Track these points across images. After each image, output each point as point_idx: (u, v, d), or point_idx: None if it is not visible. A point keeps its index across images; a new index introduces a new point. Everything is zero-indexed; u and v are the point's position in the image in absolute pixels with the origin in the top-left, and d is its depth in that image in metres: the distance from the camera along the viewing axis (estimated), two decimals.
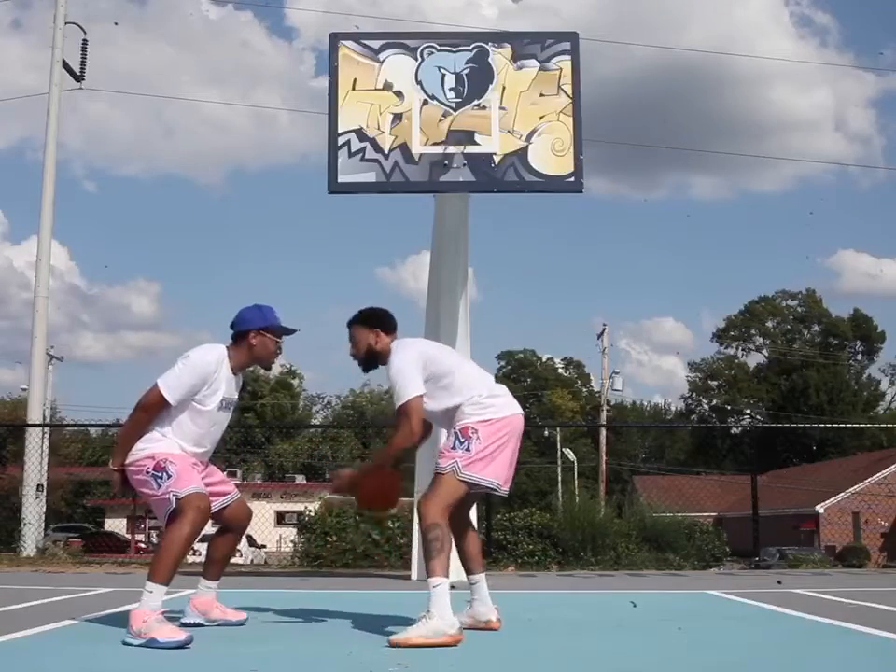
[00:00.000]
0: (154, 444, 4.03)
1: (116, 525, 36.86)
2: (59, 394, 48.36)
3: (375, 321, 4.33)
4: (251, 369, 4.46)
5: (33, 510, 14.36)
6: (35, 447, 15.92)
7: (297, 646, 3.78)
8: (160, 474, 3.93)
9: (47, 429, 18.76)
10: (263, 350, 4.22)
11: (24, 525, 13.40)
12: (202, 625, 4.24)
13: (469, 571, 4.37)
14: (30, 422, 16.44)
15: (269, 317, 4.25)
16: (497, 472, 4.10)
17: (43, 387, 17.72)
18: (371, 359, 4.31)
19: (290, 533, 17.54)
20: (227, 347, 4.22)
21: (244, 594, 6.57)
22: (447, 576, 3.90)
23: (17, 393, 40.32)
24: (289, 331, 4.33)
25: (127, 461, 4.05)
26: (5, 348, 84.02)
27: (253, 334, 4.18)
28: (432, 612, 3.82)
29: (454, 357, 4.41)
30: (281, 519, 31.45)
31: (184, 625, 4.15)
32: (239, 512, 4.33)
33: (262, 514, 30.87)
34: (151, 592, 3.82)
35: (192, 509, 3.87)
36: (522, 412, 4.35)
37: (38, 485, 15.54)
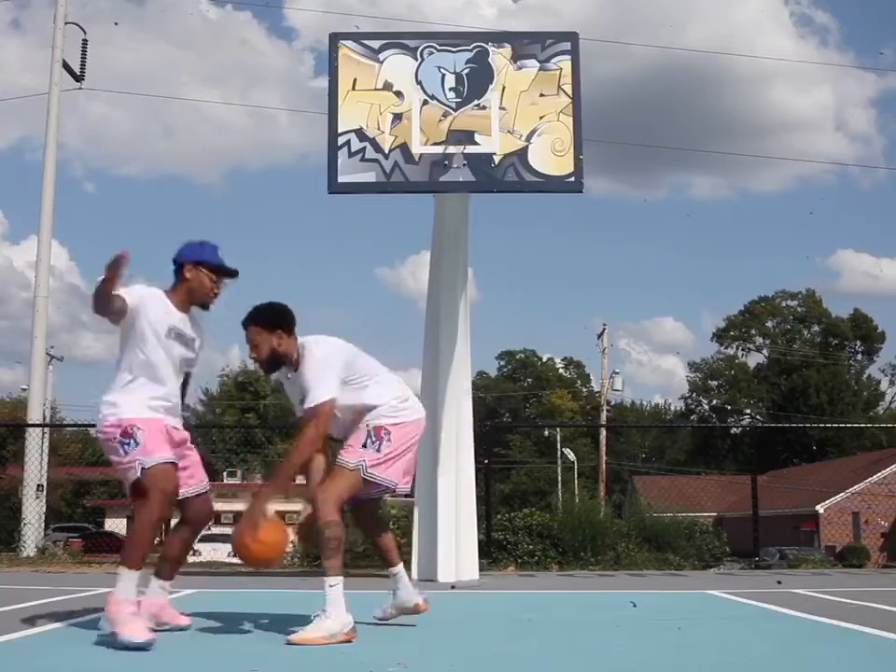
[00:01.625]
0: (121, 408, 3.87)
1: (116, 525, 36.85)
2: (59, 394, 48.43)
3: (276, 320, 4.12)
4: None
5: (33, 510, 14.36)
6: (35, 447, 15.93)
7: (297, 646, 3.78)
8: (126, 440, 3.79)
9: (47, 429, 18.79)
10: (198, 285, 4.03)
11: (24, 525, 13.38)
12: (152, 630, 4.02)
13: (388, 564, 4.39)
14: (30, 422, 16.45)
15: (206, 253, 4.08)
16: (396, 473, 4.12)
17: (43, 387, 17.73)
18: (276, 362, 4.13)
19: (290, 533, 17.51)
20: (165, 291, 4.05)
21: (244, 593, 6.58)
22: (342, 574, 3.88)
23: (17, 393, 40.36)
24: (228, 271, 4.10)
25: (98, 427, 3.89)
26: (5, 348, 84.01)
27: (188, 267, 4.03)
28: (328, 611, 3.81)
29: (368, 360, 4.28)
30: (281, 519, 31.43)
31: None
32: (203, 508, 4.17)
33: None
34: (125, 578, 3.72)
35: (157, 491, 3.71)
36: (425, 415, 4.31)
37: (38, 485, 15.55)
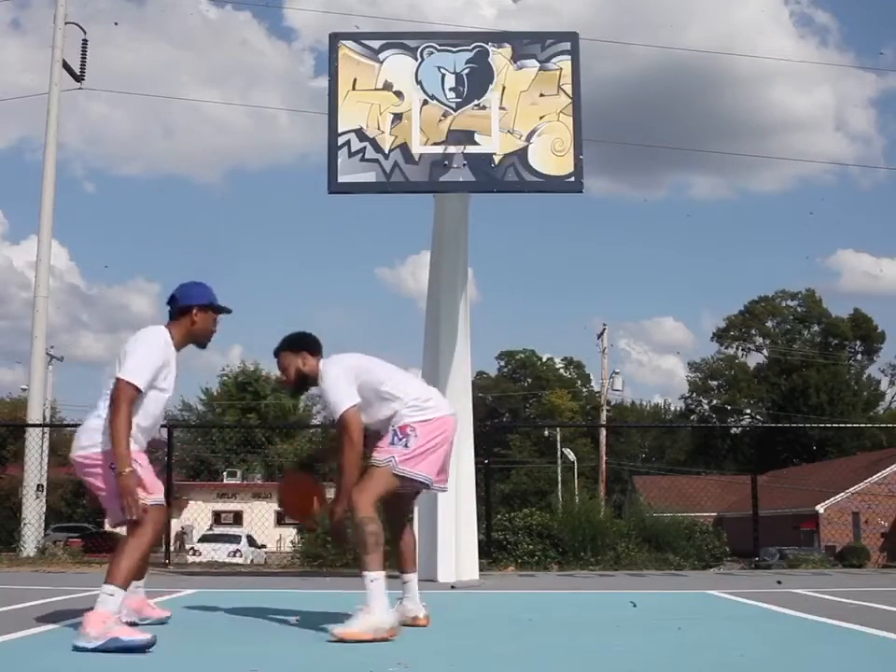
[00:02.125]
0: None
1: None
2: (59, 394, 48.41)
3: (300, 344, 4.41)
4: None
5: (33, 510, 14.37)
6: (35, 447, 15.93)
7: (297, 646, 3.78)
8: None
9: (47, 429, 18.77)
10: (203, 327, 4.18)
11: (24, 525, 13.39)
12: (136, 624, 4.08)
13: (403, 570, 4.40)
14: (30, 422, 16.45)
15: (210, 295, 4.21)
16: (430, 468, 4.17)
17: (43, 387, 17.74)
18: (302, 383, 4.38)
19: (290, 533, 17.54)
20: (165, 326, 4.14)
21: (244, 594, 6.58)
22: (383, 569, 3.95)
23: (17, 393, 40.37)
24: (226, 310, 4.29)
25: (80, 453, 3.94)
26: (5, 348, 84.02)
27: (196, 310, 4.14)
28: (371, 606, 3.87)
29: (386, 367, 4.41)
30: (281, 519, 31.44)
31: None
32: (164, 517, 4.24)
33: (262, 514, 30.98)
34: (112, 595, 3.70)
35: (153, 523, 3.86)
36: (455, 413, 4.41)
37: (38, 485, 15.55)
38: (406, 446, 4.11)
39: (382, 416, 4.23)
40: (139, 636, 3.61)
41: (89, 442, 3.94)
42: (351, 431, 4.10)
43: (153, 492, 3.93)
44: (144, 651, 3.51)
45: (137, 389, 3.91)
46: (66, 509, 36.80)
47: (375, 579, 3.91)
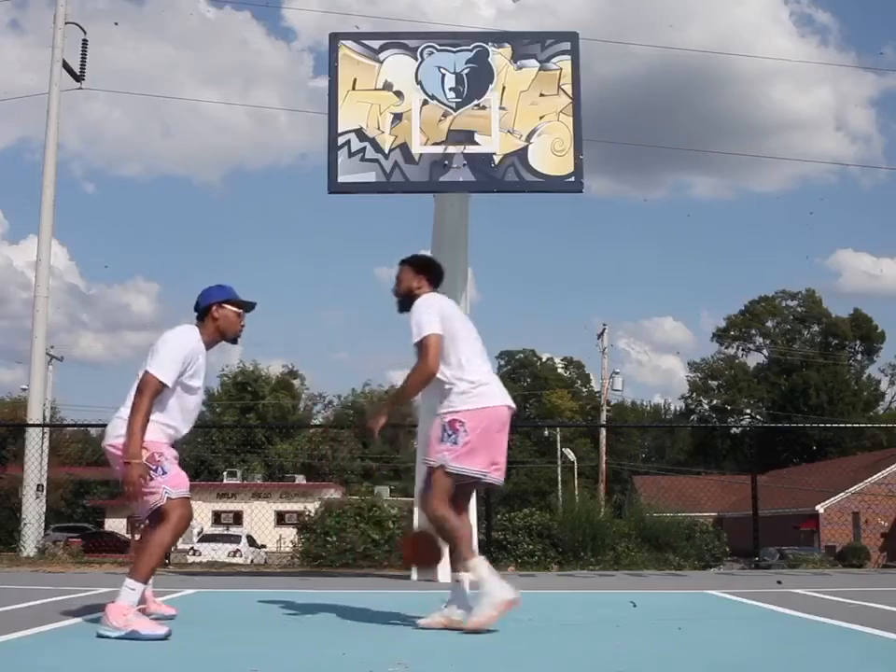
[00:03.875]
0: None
1: (116, 525, 36.82)
2: (59, 394, 48.40)
3: (424, 268, 4.52)
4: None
5: (33, 510, 14.37)
6: (35, 447, 15.92)
7: (297, 646, 3.78)
8: (154, 467, 3.99)
9: (47, 429, 18.77)
10: (226, 322, 4.33)
11: (24, 525, 13.40)
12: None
13: (454, 569, 4.35)
14: (30, 422, 16.45)
15: (228, 292, 4.38)
16: (482, 461, 4.19)
17: (43, 387, 17.73)
18: (408, 301, 4.42)
19: (290, 533, 17.54)
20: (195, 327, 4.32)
21: (244, 594, 6.58)
22: (476, 554, 4.07)
23: (17, 393, 40.37)
24: (249, 305, 4.41)
25: (110, 442, 4.09)
26: (5, 348, 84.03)
27: (215, 308, 4.30)
28: (485, 588, 3.99)
29: (466, 330, 4.41)
30: (281, 519, 31.44)
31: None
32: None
33: (262, 514, 30.98)
34: (133, 589, 3.90)
35: (178, 517, 3.97)
36: (510, 403, 4.36)
37: (38, 485, 15.55)
38: (455, 443, 4.13)
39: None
40: (157, 629, 3.81)
41: (117, 432, 4.07)
42: (429, 356, 4.16)
43: (177, 485, 4.03)
44: (166, 640, 3.73)
45: (163, 385, 4.04)
46: (66, 509, 36.79)
47: (476, 566, 4.03)
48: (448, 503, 4.13)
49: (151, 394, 4.02)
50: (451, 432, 4.14)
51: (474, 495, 8.06)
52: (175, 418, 4.18)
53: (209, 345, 4.32)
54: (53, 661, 3.42)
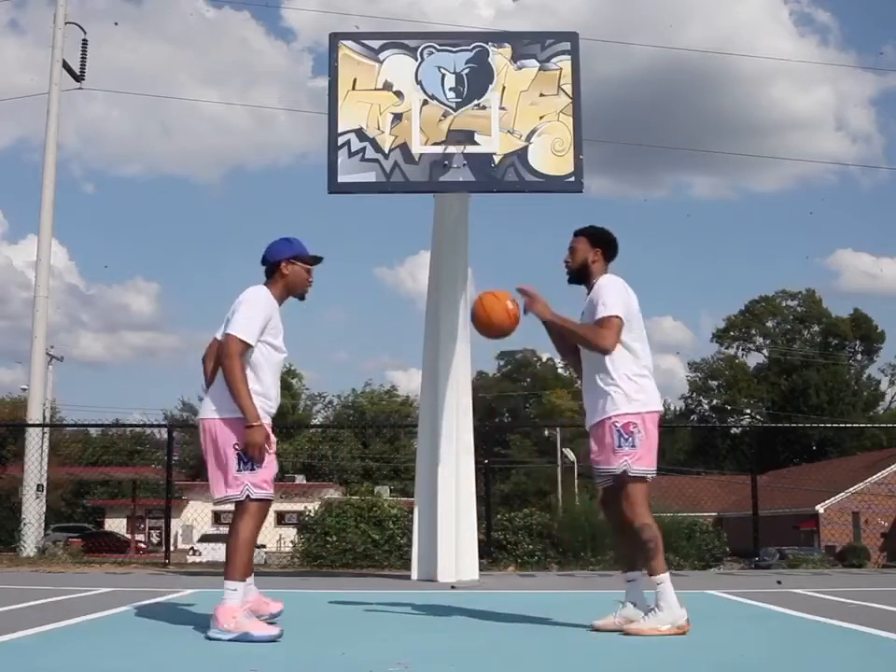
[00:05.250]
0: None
1: (116, 524, 36.86)
2: (59, 394, 48.39)
3: (601, 241, 4.42)
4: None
5: (33, 510, 14.36)
6: (35, 447, 15.92)
7: (297, 646, 3.78)
8: (246, 460, 3.96)
9: (47, 429, 18.76)
10: (296, 278, 4.27)
11: (24, 525, 13.40)
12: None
13: (632, 569, 4.29)
14: (30, 422, 16.45)
15: (297, 247, 4.31)
16: (653, 460, 4.19)
17: (43, 387, 17.73)
18: (581, 273, 4.38)
19: (290, 533, 17.55)
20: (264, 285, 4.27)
21: None
22: (667, 571, 4.06)
23: (17, 393, 40.33)
24: (318, 258, 4.37)
25: (210, 416, 4.02)
26: (5, 348, 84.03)
27: (284, 264, 4.24)
28: (661, 605, 4.00)
29: (641, 325, 4.35)
30: (281, 519, 31.43)
31: None
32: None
33: None
34: (234, 590, 3.93)
35: (257, 518, 4.00)
36: (662, 410, 4.34)
37: (38, 485, 15.55)
38: (634, 446, 4.11)
39: (595, 367, 4.22)
40: (268, 630, 3.86)
41: (215, 405, 4.04)
42: (610, 334, 4.12)
43: (262, 485, 4.01)
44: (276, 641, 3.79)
45: (247, 344, 4.01)
46: (66, 509, 36.81)
47: (662, 581, 4.03)
48: (648, 510, 4.12)
49: (237, 355, 3.97)
50: (626, 435, 4.11)
51: (474, 497, 8.13)
52: (266, 383, 4.09)
53: (279, 301, 4.24)
54: (53, 661, 3.42)
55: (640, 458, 4.11)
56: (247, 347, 4.02)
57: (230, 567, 3.98)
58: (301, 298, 4.37)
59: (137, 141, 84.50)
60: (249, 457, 3.96)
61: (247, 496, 3.97)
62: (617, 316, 4.15)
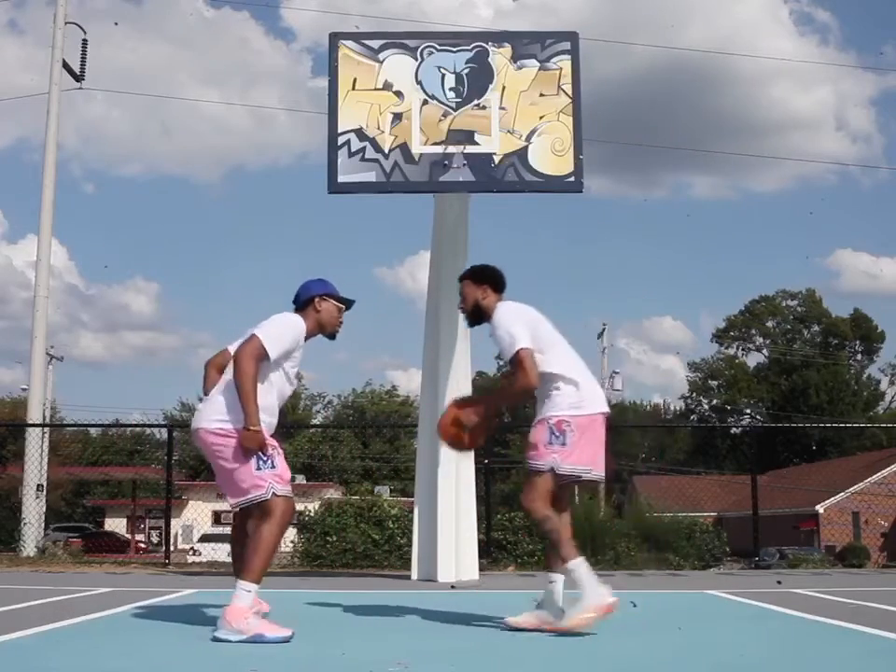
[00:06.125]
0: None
1: (116, 524, 36.86)
2: (59, 394, 48.39)
3: (485, 278, 4.48)
4: None
5: (33, 510, 14.37)
6: (35, 447, 15.93)
7: (296, 646, 3.78)
8: (264, 458, 3.94)
9: (47, 429, 18.77)
10: (328, 316, 4.28)
11: (24, 524, 13.39)
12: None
13: (551, 569, 4.32)
14: (30, 422, 16.45)
15: (330, 287, 4.35)
16: (588, 458, 4.21)
17: (43, 387, 17.73)
18: (477, 314, 4.44)
19: (290, 533, 17.52)
20: None
21: None
22: (578, 556, 4.07)
23: (17, 393, 40.34)
24: (350, 301, 4.37)
25: (214, 427, 4.00)
26: (5, 348, 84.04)
27: (318, 300, 4.26)
28: (584, 590, 4.01)
29: (554, 336, 4.39)
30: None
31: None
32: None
33: None
34: (248, 591, 3.89)
35: (282, 512, 3.95)
36: (607, 412, 4.37)
37: (38, 485, 15.55)
38: (564, 444, 4.15)
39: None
40: (280, 632, 3.82)
41: (219, 416, 4.01)
42: (527, 367, 4.12)
43: (284, 481, 3.99)
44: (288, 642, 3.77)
45: (266, 355, 3.99)
46: (66, 509, 36.80)
47: (576, 566, 4.05)
48: (549, 503, 4.16)
49: (256, 357, 3.95)
50: (558, 433, 4.16)
51: (474, 497, 8.13)
52: (270, 404, 4.07)
53: (308, 335, 4.25)
54: (53, 661, 3.42)
55: (569, 456, 4.15)
56: (266, 358, 4.00)
57: (247, 568, 3.93)
58: (332, 337, 4.38)
59: (137, 141, 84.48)
60: (269, 455, 3.95)
61: (273, 492, 3.93)
62: (523, 349, 4.15)
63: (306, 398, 62.06)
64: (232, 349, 4.21)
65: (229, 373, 4.07)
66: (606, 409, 4.33)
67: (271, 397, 4.09)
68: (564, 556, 4.09)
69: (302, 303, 4.28)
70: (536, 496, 4.16)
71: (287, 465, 4.07)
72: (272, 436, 4.07)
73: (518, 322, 4.24)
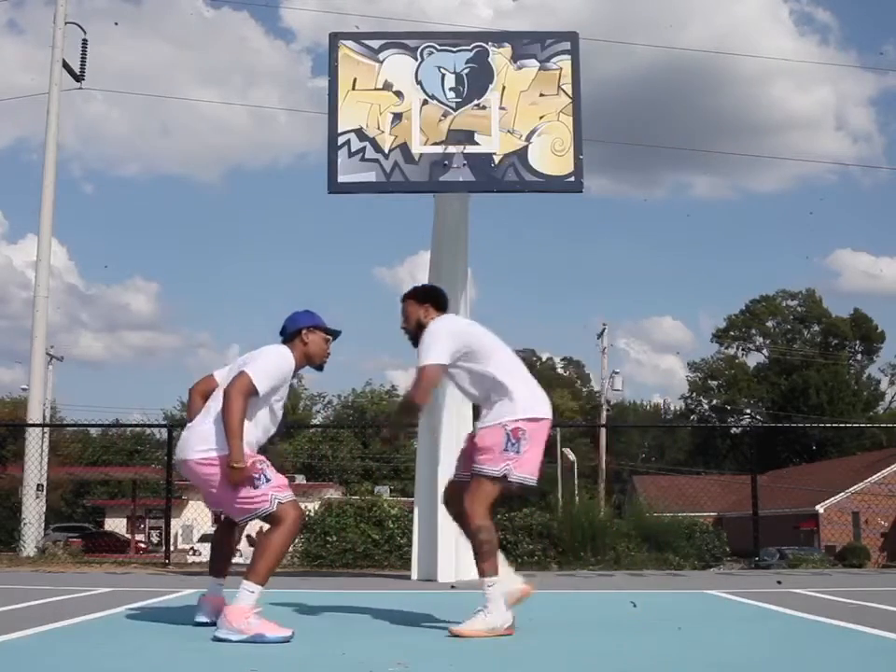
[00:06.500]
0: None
1: (116, 524, 36.84)
2: (59, 394, 48.39)
3: (426, 297, 4.49)
4: None
5: (33, 510, 14.36)
6: (35, 447, 15.92)
7: (296, 646, 3.78)
8: (258, 476, 3.98)
9: (47, 429, 18.76)
10: (316, 347, 4.30)
11: (24, 524, 13.39)
12: (213, 624, 4.12)
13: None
14: (30, 422, 16.44)
15: (317, 318, 4.37)
16: (535, 468, 4.20)
17: (43, 387, 17.72)
18: (419, 333, 4.39)
19: None
20: None
21: None
22: (498, 574, 4.07)
23: (17, 393, 40.33)
24: (336, 332, 4.41)
25: (199, 457, 4.03)
26: (5, 348, 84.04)
27: (305, 332, 4.28)
28: (489, 608, 4.01)
29: (494, 342, 4.43)
30: None
31: (198, 625, 4.22)
32: None
33: None
34: (252, 592, 3.89)
35: (293, 519, 3.98)
36: (550, 416, 4.36)
37: (38, 485, 15.54)
38: (518, 452, 4.12)
39: (477, 392, 4.30)
40: (280, 631, 3.84)
41: (205, 445, 4.04)
42: (420, 386, 4.16)
43: (283, 489, 4.04)
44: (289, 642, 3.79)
45: (256, 391, 4.03)
46: (66, 509, 36.81)
47: (493, 584, 4.04)
48: (491, 510, 4.15)
49: (245, 395, 3.99)
50: (514, 440, 4.12)
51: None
52: (256, 442, 4.14)
53: (296, 368, 4.27)
54: (53, 661, 3.42)
55: (521, 465, 4.13)
56: (255, 394, 4.04)
57: (253, 569, 3.93)
58: (320, 368, 4.40)
59: (137, 141, 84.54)
60: (259, 471, 3.99)
61: (277, 502, 3.97)
62: (429, 365, 4.16)
63: (306, 398, 62.06)
64: (218, 375, 4.27)
65: (213, 401, 4.11)
66: (550, 414, 4.32)
67: (257, 431, 4.15)
68: (487, 569, 4.06)
69: (290, 335, 4.30)
70: (482, 501, 4.12)
71: (277, 473, 4.11)
72: (257, 451, 4.13)
73: (445, 338, 4.23)
